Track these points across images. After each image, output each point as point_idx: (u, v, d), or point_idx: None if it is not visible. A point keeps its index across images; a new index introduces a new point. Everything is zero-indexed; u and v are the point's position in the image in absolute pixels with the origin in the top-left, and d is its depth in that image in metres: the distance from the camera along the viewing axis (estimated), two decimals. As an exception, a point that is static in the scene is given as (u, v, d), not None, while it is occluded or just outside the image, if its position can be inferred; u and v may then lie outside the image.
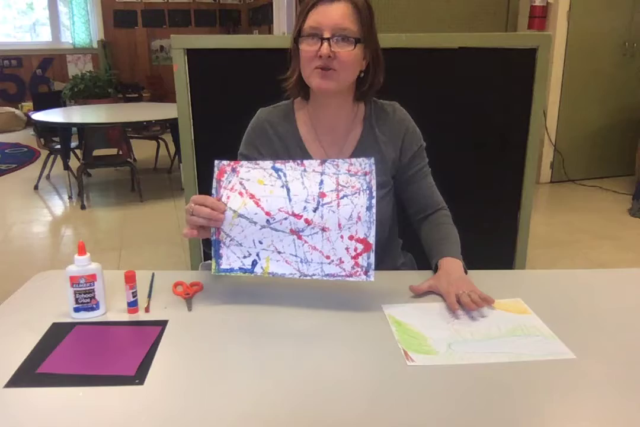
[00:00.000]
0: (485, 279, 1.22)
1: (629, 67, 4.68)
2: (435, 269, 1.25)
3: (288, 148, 1.34)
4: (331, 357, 0.97)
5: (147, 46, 8.00)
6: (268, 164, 1.15)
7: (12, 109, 7.33)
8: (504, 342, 1.02)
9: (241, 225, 1.13)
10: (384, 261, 1.39)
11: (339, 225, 1.11)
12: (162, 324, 1.08)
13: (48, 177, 4.95)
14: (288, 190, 1.13)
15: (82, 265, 1.08)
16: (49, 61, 7.72)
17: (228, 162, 1.16)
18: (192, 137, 1.89)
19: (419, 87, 1.88)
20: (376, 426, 0.81)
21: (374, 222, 1.11)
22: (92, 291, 1.09)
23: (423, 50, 1.89)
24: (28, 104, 7.07)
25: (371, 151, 1.32)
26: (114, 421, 0.81)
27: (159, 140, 5.25)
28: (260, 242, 1.13)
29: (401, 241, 1.56)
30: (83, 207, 4.22)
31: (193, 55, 1.83)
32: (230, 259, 1.15)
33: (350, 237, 1.11)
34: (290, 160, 1.15)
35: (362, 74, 1.29)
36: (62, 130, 4.42)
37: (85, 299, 1.09)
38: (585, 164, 4.84)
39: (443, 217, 1.39)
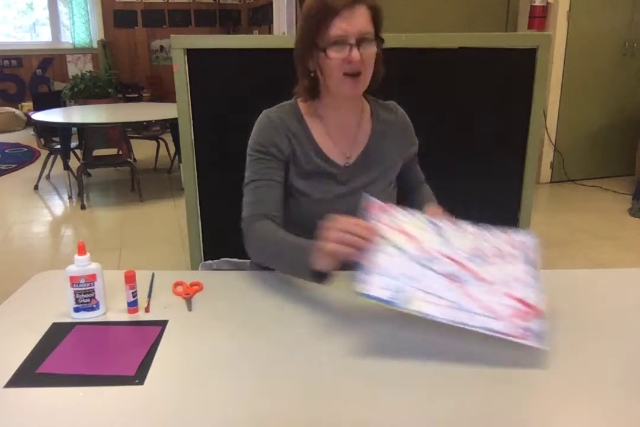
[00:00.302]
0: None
1: (629, 67, 4.68)
2: None
3: (302, 145, 1.34)
4: (331, 357, 0.97)
5: (147, 46, 8.00)
6: (421, 214, 1.14)
7: (12, 109, 7.33)
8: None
9: (394, 256, 1.03)
10: None
11: (500, 280, 1.05)
12: (162, 324, 1.08)
13: (48, 177, 4.95)
14: (442, 236, 1.10)
15: (82, 265, 1.08)
16: (49, 61, 7.72)
17: (380, 202, 1.12)
18: (192, 137, 1.89)
19: (419, 87, 1.89)
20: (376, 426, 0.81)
21: (543, 293, 1.06)
22: (92, 291, 1.09)
23: (423, 50, 1.90)
24: (28, 104, 7.07)
25: (382, 146, 1.37)
26: (114, 421, 0.81)
27: (159, 140, 5.25)
28: (411, 279, 1.01)
29: None
30: (83, 207, 4.22)
31: (193, 55, 1.83)
32: (377, 286, 0.99)
33: (514, 297, 1.03)
34: (445, 220, 1.15)
35: None
36: (62, 130, 4.42)
37: (85, 299, 1.09)
38: (585, 164, 4.84)
39: (424, 190, 1.51)
